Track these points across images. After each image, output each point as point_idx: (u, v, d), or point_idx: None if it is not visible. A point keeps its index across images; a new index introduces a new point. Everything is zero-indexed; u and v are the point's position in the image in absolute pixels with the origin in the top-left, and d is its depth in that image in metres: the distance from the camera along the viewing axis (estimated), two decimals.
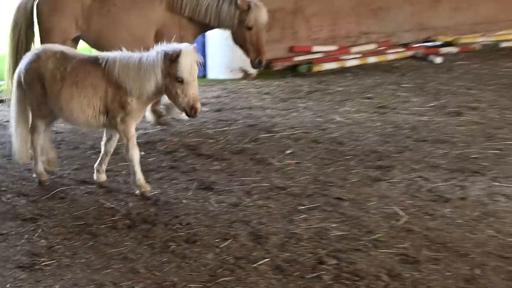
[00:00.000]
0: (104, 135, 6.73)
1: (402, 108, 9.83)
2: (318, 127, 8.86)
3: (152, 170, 7.24)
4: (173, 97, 6.18)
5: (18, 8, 8.51)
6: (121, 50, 6.53)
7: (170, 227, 5.95)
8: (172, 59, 5.98)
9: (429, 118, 9.32)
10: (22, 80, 6.65)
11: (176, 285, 5.00)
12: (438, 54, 13.33)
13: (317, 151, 7.94)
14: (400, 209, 6.31)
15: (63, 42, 7.98)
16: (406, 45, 13.78)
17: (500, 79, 11.62)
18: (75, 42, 8.55)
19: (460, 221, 6.11)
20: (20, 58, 8.06)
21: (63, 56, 6.52)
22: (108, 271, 5.20)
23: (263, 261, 5.36)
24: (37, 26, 8.50)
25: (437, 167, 7.41)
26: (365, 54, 12.97)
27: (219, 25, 8.47)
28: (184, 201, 6.47)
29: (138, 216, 6.16)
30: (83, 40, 8.71)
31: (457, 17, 14.80)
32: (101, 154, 6.76)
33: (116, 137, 6.64)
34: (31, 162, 6.95)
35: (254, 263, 5.32)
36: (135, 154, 6.46)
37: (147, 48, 7.93)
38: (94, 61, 6.44)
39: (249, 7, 8.21)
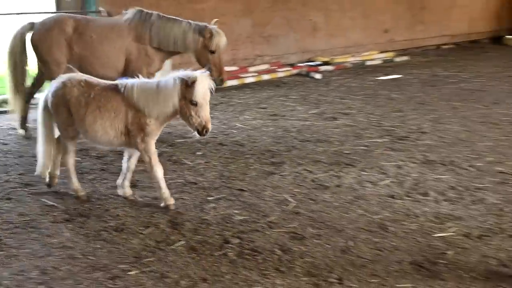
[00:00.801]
0: (125, 153, 6.33)
1: (290, 115, 9.90)
2: (223, 132, 8.84)
3: (86, 172, 7.05)
4: (187, 118, 5.79)
5: (15, 37, 8.28)
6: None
7: (102, 219, 5.81)
8: (188, 85, 5.64)
9: (311, 122, 9.43)
10: (49, 104, 6.18)
11: (107, 266, 4.90)
12: (318, 72, 13.50)
13: (222, 151, 7.92)
14: (289, 196, 6.37)
15: (59, 69, 7.98)
16: (292, 65, 13.89)
17: (366, 90, 11.87)
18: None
19: (337, 204, 6.22)
20: (17, 77, 8.31)
21: (87, 84, 6.11)
22: (49, 258, 5.04)
23: (180, 243, 5.32)
24: (35, 56, 8.33)
25: (318, 161, 7.51)
26: (260, 73, 12.99)
27: (185, 50, 8.24)
28: (113, 197, 6.33)
29: (74, 211, 5.99)
30: (72, 66, 8.46)
31: (332, 42, 15.07)
32: (123, 171, 6.30)
33: (136, 154, 6.24)
34: (48, 177, 6.48)
35: (172, 245, 5.27)
36: (159, 171, 6.01)
37: (119, 73, 7.71)
38: (115, 87, 6.03)
39: (211, 34, 8.03)
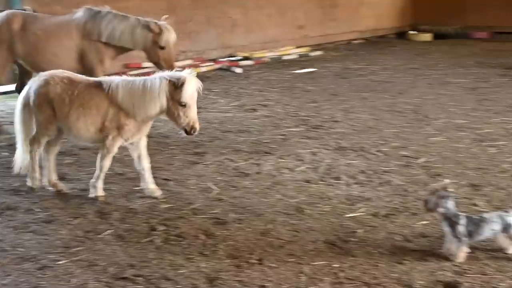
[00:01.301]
0: (133, 156, 6.05)
1: (212, 107, 9.92)
2: None
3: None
4: (174, 118, 5.61)
5: None
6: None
7: (30, 212, 5.67)
8: (177, 86, 5.43)
9: (233, 114, 9.48)
10: (31, 102, 5.89)
11: (36, 257, 4.79)
12: (238, 66, 13.54)
13: (148, 143, 7.82)
14: (212, 184, 6.40)
15: (5, 66, 7.83)
16: (214, 60, 13.89)
17: (284, 83, 12.00)
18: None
19: (257, 190, 6.29)
20: None
21: (70, 81, 5.85)
22: None
23: (107, 232, 5.26)
24: None
25: (239, 150, 7.57)
26: (184, 68, 12.92)
27: (135, 47, 7.95)
28: (42, 189, 6.17)
29: (3, 204, 5.82)
30: (21, 63, 8.13)
31: (250, 38, 15.13)
32: (140, 175, 6.07)
33: (145, 152, 6.01)
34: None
35: (100, 234, 5.20)
36: (107, 165, 5.90)
37: (72, 68, 7.17)
38: (98, 85, 5.80)
39: (160, 30, 7.76)
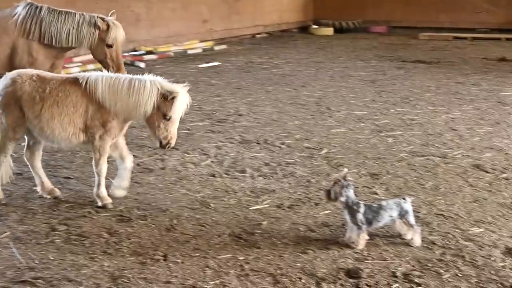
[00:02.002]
0: (114, 156, 5.74)
1: None
2: None
3: None
4: (154, 128, 5.35)
5: None
6: None
7: None
8: (166, 98, 5.16)
9: None
10: None
11: None
12: (142, 61, 13.34)
13: None
14: (111, 178, 6.24)
15: None
16: None
17: (188, 77, 11.84)
18: None
19: (161, 185, 6.23)
20: None
21: (40, 78, 5.38)
22: None
23: (4, 234, 5.04)
24: None
25: (143, 146, 7.47)
26: (85, 63, 12.58)
27: (80, 45, 7.31)
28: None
29: None
30: None
31: (154, 32, 14.96)
32: (118, 173, 5.76)
33: (126, 151, 5.74)
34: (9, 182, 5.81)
35: None
36: (104, 169, 5.55)
37: (3, 69, 6.74)
38: (74, 81, 5.40)
39: (108, 27, 7.12)
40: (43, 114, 5.32)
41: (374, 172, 6.69)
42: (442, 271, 4.56)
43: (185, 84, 5.37)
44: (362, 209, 4.85)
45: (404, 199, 4.99)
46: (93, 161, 5.58)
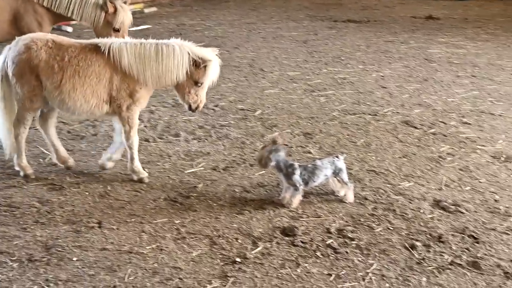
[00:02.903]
0: (115, 127, 5.42)
1: None
2: None
3: None
4: (184, 93, 5.13)
5: None
6: None
7: None
8: (198, 65, 4.94)
9: None
10: (10, 73, 4.96)
11: None
12: (69, 25, 12.89)
13: None
14: (45, 149, 6.08)
15: None
16: None
17: None
18: None
19: (94, 152, 6.10)
20: None
21: (57, 45, 4.95)
22: None
23: None
24: None
25: None
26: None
27: (81, 19, 6.74)
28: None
29: None
30: None
31: None
32: (115, 143, 5.48)
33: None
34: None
35: None
36: (136, 141, 5.26)
37: (5, 32, 6.30)
38: (95, 48, 5.00)
39: (115, 10, 6.57)
40: (64, 85, 4.97)
41: (308, 131, 6.76)
42: (374, 225, 4.70)
43: (215, 49, 5.18)
44: (297, 171, 4.88)
45: (337, 157, 5.07)
46: (123, 134, 5.29)
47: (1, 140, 5.43)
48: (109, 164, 5.57)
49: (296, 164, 4.94)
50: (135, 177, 5.38)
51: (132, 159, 5.34)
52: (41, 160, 5.84)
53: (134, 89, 5.08)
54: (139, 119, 7.00)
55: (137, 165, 5.37)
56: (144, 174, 5.39)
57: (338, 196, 5.09)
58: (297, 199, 4.94)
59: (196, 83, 5.07)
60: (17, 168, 5.43)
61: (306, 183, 4.91)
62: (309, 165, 4.99)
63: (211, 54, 5.06)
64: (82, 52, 5.03)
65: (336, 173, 4.98)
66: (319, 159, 5.23)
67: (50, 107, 5.32)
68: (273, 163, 4.88)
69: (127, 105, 5.14)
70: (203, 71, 5.00)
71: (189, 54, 4.97)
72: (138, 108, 5.23)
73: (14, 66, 5.02)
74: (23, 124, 5.24)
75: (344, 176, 5.01)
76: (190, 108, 5.25)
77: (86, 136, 6.51)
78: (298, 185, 4.88)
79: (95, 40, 5.26)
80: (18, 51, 5.03)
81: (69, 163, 5.58)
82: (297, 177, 4.87)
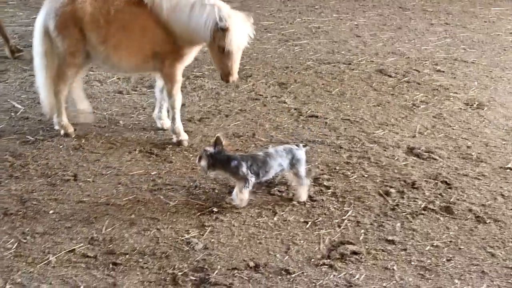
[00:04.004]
0: (157, 82, 5.18)
1: (11, 21, 9.11)
2: None
3: None
4: (213, 58, 4.80)
5: None
6: None
7: None
8: (223, 29, 4.46)
9: (33, 28, 8.77)
10: (52, 26, 4.70)
11: None
12: None
13: None
14: (16, 103, 5.98)
15: None
16: None
17: None
18: None
19: (66, 105, 5.93)
20: None
21: None
22: None
23: None
24: None
25: None
26: None
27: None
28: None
29: None
30: None
31: None
32: (158, 101, 5.25)
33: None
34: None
35: None
36: (178, 100, 4.99)
37: None
38: (138, 1, 4.71)
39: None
40: (109, 40, 4.73)
41: (282, 81, 6.73)
42: (349, 173, 4.74)
43: (249, 15, 4.71)
44: (243, 163, 4.13)
45: (297, 145, 4.39)
46: (165, 93, 5.09)
47: (41, 98, 5.27)
48: (164, 123, 5.39)
49: (240, 157, 4.21)
50: (174, 139, 5.14)
51: (173, 119, 5.11)
52: (13, 114, 5.74)
53: (175, 45, 4.78)
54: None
55: (179, 126, 5.12)
56: (185, 137, 5.14)
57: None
58: (246, 194, 4.19)
59: (219, 49, 4.60)
60: (56, 127, 5.28)
61: (256, 174, 4.18)
62: (260, 154, 4.29)
63: (237, 19, 4.59)
64: (127, 5, 4.77)
65: (293, 164, 4.24)
66: (273, 146, 4.50)
67: (89, 64, 5.16)
68: (203, 163, 4.16)
69: (170, 61, 4.86)
70: (225, 35, 4.51)
71: (216, 14, 4.55)
72: (180, 65, 4.95)
73: (56, 18, 4.79)
74: (63, 81, 5.04)
75: (302, 169, 4.27)
76: (221, 77, 4.82)
77: None
78: (248, 177, 4.13)
79: None
80: (62, 2, 4.79)
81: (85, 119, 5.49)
82: (244, 169, 4.14)
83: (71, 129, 5.24)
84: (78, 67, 5.03)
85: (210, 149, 4.14)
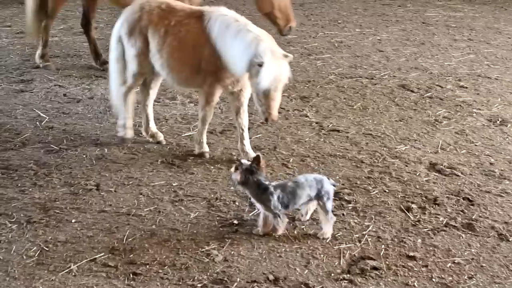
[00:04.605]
0: (232, 109, 5.09)
1: None
2: None
3: None
4: (252, 94, 4.56)
5: None
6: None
7: None
8: (260, 65, 4.28)
9: (59, 38, 8.95)
10: (123, 33, 4.84)
11: None
12: None
13: None
14: (42, 112, 6.07)
15: None
16: None
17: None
18: None
19: (90, 115, 6.08)
20: None
21: (169, 8, 4.76)
22: None
23: None
24: None
25: (69, 76, 7.21)
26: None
27: None
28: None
29: None
30: None
31: None
32: (238, 133, 5.09)
33: (244, 108, 4.95)
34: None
35: None
36: (207, 117, 4.97)
37: None
38: (199, 15, 4.69)
39: None
40: (164, 49, 4.74)
41: (304, 95, 6.74)
42: (370, 188, 4.72)
43: (286, 54, 4.47)
44: (274, 195, 3.92)
45: (328, 178, 4.12)
46: (199, 105, 5.08)
47: (113, 101, 5.35)
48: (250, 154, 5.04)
49: (272, 187, 3.95)
50: (196, 150, 5.14)
51: (200, 132, 5.10)
52: (37, 123, 5.81)
53: (221, 66, 4.67)
54: None
55: (203, 138, 5.11)
56: (206, 149, 5.12)
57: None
58: (282, 224, 3.99)
59: (256, 87, 4.41)
60: (118, 129, 5.38)
61: (286, 206, 3.97)
62: (290, 184, 4.01)
63: (272, 56, 4.32)
64: (187, 17, 4.76)
65: (321, 196, 3.96)
66: (303, 175, 4.22)
67: (154, 76, 5.19)
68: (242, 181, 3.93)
69: (211, 81, 4.79)
70: (260, 71, 4.28)
71: (254, 47, 4.35)
72: (220, 86, 4.84)
73: (126, 25, 4.90)
74: (130, 87, 5.13)
75: (329, 203, 3.98)
76: (260, 115, 4.58)
77: (83, 100, 6.49)
78: (277, 211, 3.94)
79: (204, 8, 4.95)
80: (133, 9, 4.92)
81: (158, 138, 5.42)
82: (275, 202, 3.92)
83: (129, 135, 5.33)
84: (143, 76, 5.10)
85: (246, 163, 3.97)
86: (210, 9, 4.84)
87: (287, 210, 4.02)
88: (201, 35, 4.66)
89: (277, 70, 4.31)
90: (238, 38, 4.49)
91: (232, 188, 4.50)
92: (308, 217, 4.15)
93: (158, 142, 5.41)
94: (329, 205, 3.98)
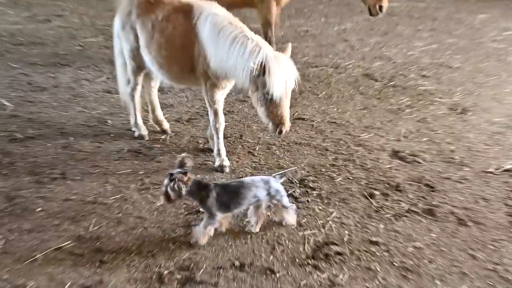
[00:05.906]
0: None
1: (0, 19, 9.08)
2: None
3: None
4: (256, 106, 4.12)
5: None
6: None
7: None
8: (259, 72, 3.93)
9: (23, 26, 8.78)
10: (119, 28, 4.72)
11: None
12: None
13: None
14: (6, 100, 5.96)
15: None
16: None
17: None
18: None
19: (56, 103, 6.00)
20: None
21: (157, 2, 4.52)
22: None
23: None
24: None
25: (33, 64, 7.10)
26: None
27: None
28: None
29: None
30: None
31: None
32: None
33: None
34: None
35: None
36: (219, 124, 4.61)
37: None
38: (188, 10, 4.39)
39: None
40: (152, 45, 4.55)
41: None
42: (335, 175, 4.77)
43: (288, 55, 4.16)
44: (212, 192, 3.70)
45: (273, 177, 3.99)
46: (209, 114, 4.72)
47: (120, 94, 5.31)
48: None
49: (213, 184, 3.76)
50: (217, 163, 4.76)
51: (217, 143, 4.74)
52: (2, 111, 5.72)
53: (208, 65, 4.37)
54: (100, 70, 6.93)
55: (222, 149, 4.75)
56: (227, 163, 4.76)
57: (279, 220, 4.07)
58: (207, 231, 3.78)
59: (264, 94, 4.03)
60: (136, 135, 5.33)
61: (227, 207, 3.76)
62: (233, 184, 3.81)
63: (276, 62, 3.98)
64: (174, 12, 4.49)
65: (272, 195, 3.85)
66: (250, 177, 3.98)
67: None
68: (186, 188, 3.63)
69: (209, 85, 4.50)
70: (265, 78, 3.97)
71: (252, 61, 4.01)
72: (218, 89, 4.51)
73: (120, 19, 4.82)
74: (130, 83, 5.07)
75: (284, 199, 3.90)
76: (271, 129, 4.15)
77: (48, 88, 6.40)
78: (212, 211, 3.73)
79: (194, 2, 4.53)
80: (125, 3, 4.83)
81: (163, 126, 5.36)
82: (212, 200, 3.70)
83: (144, 131, 5.29)
84: (140, 69, 4.95)
85: (177, 173, 3.64)
86: (200, 4, 4.48)
87: (229, 211, 3.78)
88: (190, 33, 4.35)
89: (284, 75, 4.00)
90: (236, 47, 4.12)
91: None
92: (257, 228, 3.95)
93: (164, 131, 5.35)
94: (285, 200, 3.91)
